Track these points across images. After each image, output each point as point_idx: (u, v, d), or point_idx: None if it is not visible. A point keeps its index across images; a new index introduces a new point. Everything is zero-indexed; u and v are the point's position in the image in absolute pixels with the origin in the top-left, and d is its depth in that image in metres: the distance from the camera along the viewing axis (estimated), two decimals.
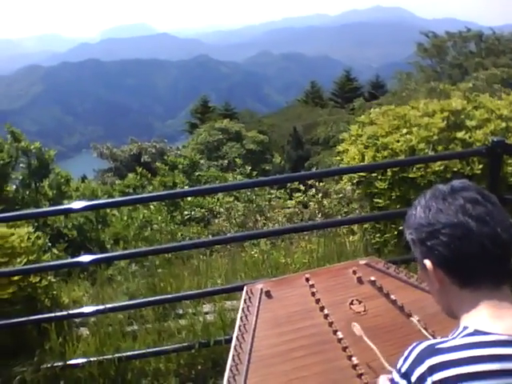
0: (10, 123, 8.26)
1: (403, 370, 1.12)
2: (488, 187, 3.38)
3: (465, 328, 1.11)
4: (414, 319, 1.87)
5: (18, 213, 3.90)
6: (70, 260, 3.55)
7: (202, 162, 13.75)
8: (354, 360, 1.75)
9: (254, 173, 10.60)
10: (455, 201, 1.15)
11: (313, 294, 1.99)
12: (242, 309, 1.94)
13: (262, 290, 2.01)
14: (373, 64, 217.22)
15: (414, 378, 1.08)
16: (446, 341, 1.10)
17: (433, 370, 1.05)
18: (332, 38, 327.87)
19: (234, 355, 1.78)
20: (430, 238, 1.15)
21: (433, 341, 1.13)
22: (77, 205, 3.42)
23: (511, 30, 29.58)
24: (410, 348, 1.14)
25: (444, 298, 1.21)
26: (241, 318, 1.90)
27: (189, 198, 10.35)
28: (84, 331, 3.74)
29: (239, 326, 1.86)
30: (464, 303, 1.16)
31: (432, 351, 1.08)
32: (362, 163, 4.08)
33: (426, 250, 1.18)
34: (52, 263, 3.83)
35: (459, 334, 1.11)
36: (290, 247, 4.89)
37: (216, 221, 7.18)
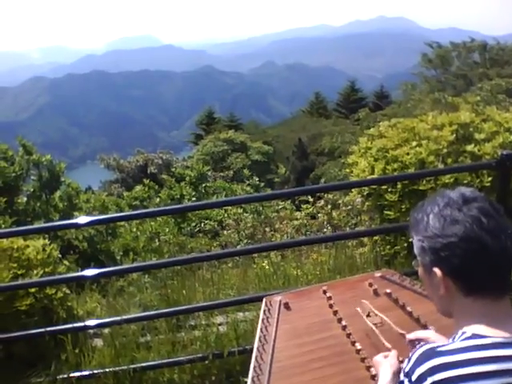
0: (20, 136, 8.37)
1: (406, 369, 1.19)
2: (497, 200, 3.43)
3: (463, 333, 1.18)
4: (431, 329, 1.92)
5: (26, 227, 3.98)
6: (82, 273, 3.60)
7: (208, 173, 13.81)
8: (373, 371, 1.78)
9: (262, 184, 10.66)
10: (470, 212, 1.18)
11: (330, 305, 2.04)
12: (262, 320, 1.99)
13: (280, 301, 2.06)
14: (377, 74, 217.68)
15: (414, 377, 1.15)
16: (447, 344, 1.17)
17: (433, 370, 1.12)
18: (336, 49, 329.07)
19: (255, 366, 1.82)
20: (445, 250, 1.18)
21: (434, 344, 1.19)
22: (83, 219, 3.47)
23: None
24: (413, 350, 1.21)
25: (446, 302, 1.26)
26: (261, 329, 1.95)
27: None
28: (98, 342, 3.79)
29: (259, 337, 1.91)
30: (466, 309, 1.21)
31: (433, 354, 1.15)
32: (372, 176, 4.12)
33: (437, 259, 1.21)
34: (68, 275, 3.90)
35: (459, 337, 1.17)
36: (300, 259, 4.92)
37: (225, 232, 7.22)
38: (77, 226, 5.07)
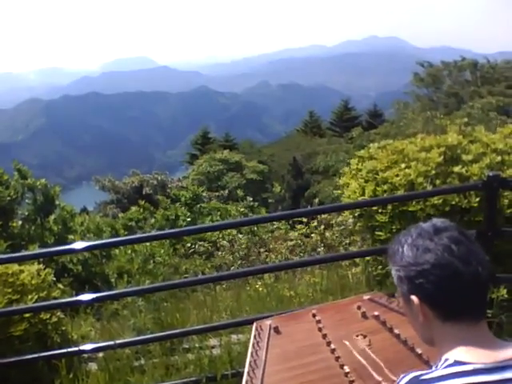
0: (16, 159, 8.42)
1: None
2: (485, 220, 3.49)
3: (446, 360, 1.22)
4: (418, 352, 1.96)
5: (22, 254, 4.02)
6: (77, 298, 3.62)
7: (203, 194, 13.86)
8: None
9: (257, 203, 10.72)
10: (440, 241, 1.24)
11: (319, 329, 2.08)
12: (252, 344, 2.02)
13: (270, 325, 2.09)
14: (370, 93, 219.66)
15: None
16: (430, 372, 1.21)
17: None
18: (329, 68, 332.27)
19: None
20: (419, 277, 1.24)
21: (418, 372, 1.22)
22: (79, 245, 3.50)
23: (505, 58, 30.14)
24: (397, 380, 1.25)
25: (426, 329, 1.30)
26: (251, 353, 1.98)
27: None
28: (93, 366, 3.79)
29: (250, 362, 1.94)
30: (445, 336, 1.26)
31: (417, 382, 1.19)
32: (362, 197, 4.18)
33: (413, 287, 1.26)
34: (63, 300, 3.91)
35: (441, 365, 1.22)
36: (293, 280, 4.95)
37: (219, 253, 7.24)
38: (73, 252, 5.10)
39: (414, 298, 1.26)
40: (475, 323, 1.24)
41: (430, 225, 1.30)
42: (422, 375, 1.20)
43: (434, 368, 1.23)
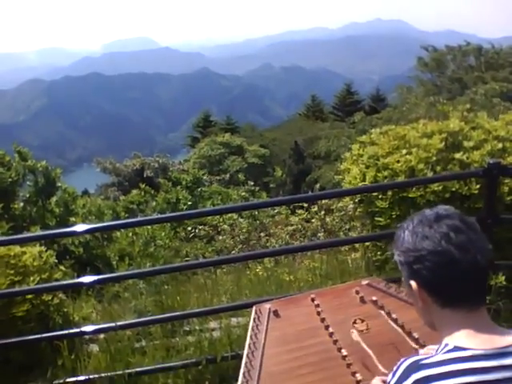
0: (16, 142, 8.41)
1: (392, 383, 1.25)
2: (485, 207, 3.51)
3: (446, 345, 1.24)
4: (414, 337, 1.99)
5: (24, 236, 4.04)
6: (79, 280, 3.66)
7: (204, 177, 13.86)
8: (358, 376, 1.85)
9: (258, 188, 10.74)
10: (439, 228, 1.26)
11: (318, 313, 2.10)
12: (252, 327, 2.05)
13: (270, 309, 2.12)
14: (373, 76, 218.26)
15: None
16: (430, 357, 1.23)
17: (417, 383, 1.18)
18: (332, 51, 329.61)
19: (244, 372, 1.88)
20: (416, 263, 1.27)
21: (418, 356, 1.25)
22: (81, 227, 3.54)
23: (510, 43, 29.83)
24: (398, 363, 1.27)
25: (427, 314, 1.33)
26: (250, 336, 2.01)
27: None
28: (94, 347, 3.84)
29: (249, 344, 1.97)
30: (445, 321, 1.28)
31: (417, 367, 1.21)
32: (363, 183, 4.19)
33: (412, 272, 1.29)
34: (65, 282, 3.95)
35: (441, 350, 1.24)
36: (293, 264, 4.99)
37: (220, 237, 7.28)
38: (74, 234, 5.14)
39: (412, 283, 1.30)
40: (474, 310, 1.26)
41: (433, 212, 1.32)
42: (422, 359, 1.22)
43: (434, 353, 1.26)
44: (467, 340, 1.22)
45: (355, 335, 1.97)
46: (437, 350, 1.26)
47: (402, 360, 1.27)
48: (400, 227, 1.37)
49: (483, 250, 1.25)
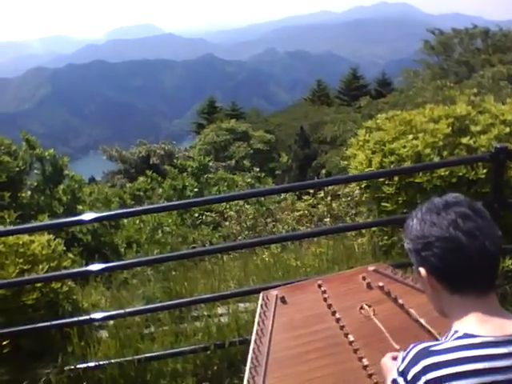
0: (24, 129, 8.43)
1: (401, 368, 1.25)
2: (492, 191, 3.50)
3: (455, 332, 1.25)
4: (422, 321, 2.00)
5: (32, 225, 4.07)
6: (87, 268, 3.70)
7: (210, 164, 13.86)
8: (365, 361, 1.87)
9: (263, 174, 10.77)
10: (448, 215, 1.27)
11: (325, 299, 2.11)
12: (259, 314, 2.06)
13: (277, 296, 2.14)
14: (379, 60, 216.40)
15: (409, 377, 1.21)
16: (440, 343, 1.23)
17: (427, 369, 1.18)
18: (338, 35, 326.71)
19: (252, 357, 1.90)
20: (425, 250, 1.28)
21: (428, 343, 1.25)
22: (88, 216, 3.59)
23: None
24: (407, 349, 1.27)
25: (436, 301, 1.35)
26: (258, 322, 2.02)
27: None
28: (104, 334, 3.89)
29: (257, 331, 1.99)
30: (454, 307, 1.29)
31: (427, 353, 1.21)
32: (369, 168, 4.19)
33: (420, 259, 1.30)
34: (74, 270, 3.99)
35: (451, 337, 1.25)
36: (299, 250, 5.00)
37: (227, 223, 7.30)
38: (82, 223, 5.18)
39: (421, 269, 1.31)
40: (484, 296, 1.26)
41: (442, 200, 1.33)
42: (431, 346, 1.22)
43: (443, 339, 1.27)
44: (477, 327, 1.23)
45: (366, 311, 1.99)
46: (446, 337, 1.27)
47: (411, 346, 1.27)
48: (409, 216, 1.38)
49: (492, 237, 1.25)
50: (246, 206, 7.27)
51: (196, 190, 11.17)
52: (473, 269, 1.24)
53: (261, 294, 2.15)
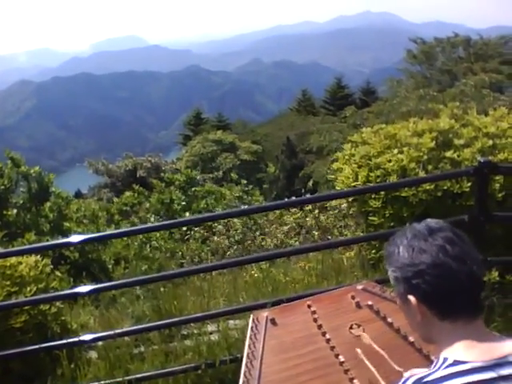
0: (7, 147, 8.37)
1: None
2: (477, 205, 3.54)
3: (445, 359, 1.26)
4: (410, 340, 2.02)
5: (19, 248, 4.04)
6: (75, 290, 3.67)
7: (198, 177, 13.88)
8: (356, 382, 1.88)
9: (251, 186, 10.81)
10: (435, 241, 1.28)
11: (315, 320, 2.13)
12: (250, 336, 2.07)
13: (267, 317, 2.14)
14: (364, 69, 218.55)
15: None
16: (431, 373, 1.25)
17: None
18: (322, 45, 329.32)
19: (244, 382, 1.91)
20: (415, 277, 1.28)
21: (420, 374, 1.26)
22: (76, 238, 3.56)
23: (498, 33, 29.90)
24: (401, 382, 1.28)
25: (424, 328, 1.35)
26: (249, 345, 2.03)
27: (187, 214, 10.50)
28: (93, 354, 3.85)
29: (247, 354, 1.99)
30: (443, 334, 1.30)
31: None
32: (356, 182, 4.22)
33: (409, 287, 1.30)
34: (62, 293, 3.96)
35: (441, 365, 1.26)
36: (288, 264, 5.01)
37: (215, 238, 7.30)
38: (70, 245, 5.11)
39: (411, 297, 1.30)
40: (472, 320, 1.28)
41: (424, 225, 1.34)
42: (424, 377, 1.23)
43: (433, 368, 1.27)
44: (466, 352, 1.24)
45: (366, 338, 2.00)
46: (435, 365, 1.27)
47: (404, 379, 1.28)
48: (391, 243, 1.38)
49: (477, 261, 1.28)
50: (234, 221, 7.28)
51: (183, 203, 11.15)
52: (463, 293, 1.26)
53: (251, 316, 2.16)
